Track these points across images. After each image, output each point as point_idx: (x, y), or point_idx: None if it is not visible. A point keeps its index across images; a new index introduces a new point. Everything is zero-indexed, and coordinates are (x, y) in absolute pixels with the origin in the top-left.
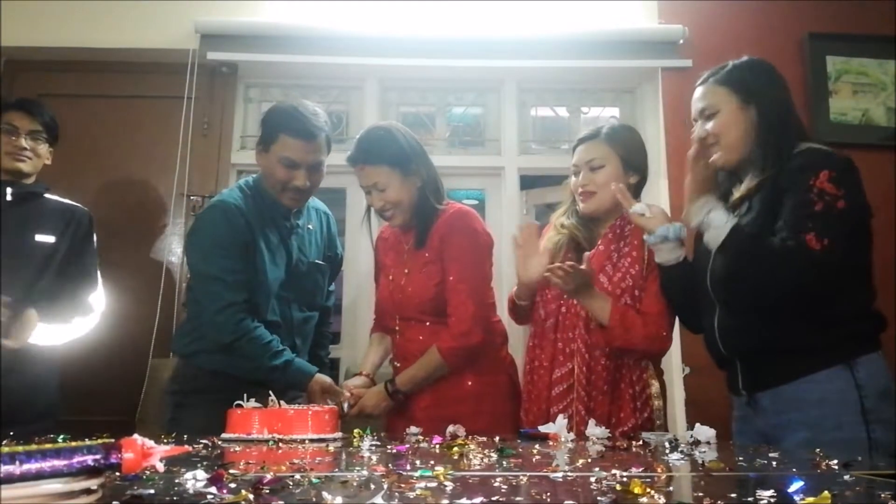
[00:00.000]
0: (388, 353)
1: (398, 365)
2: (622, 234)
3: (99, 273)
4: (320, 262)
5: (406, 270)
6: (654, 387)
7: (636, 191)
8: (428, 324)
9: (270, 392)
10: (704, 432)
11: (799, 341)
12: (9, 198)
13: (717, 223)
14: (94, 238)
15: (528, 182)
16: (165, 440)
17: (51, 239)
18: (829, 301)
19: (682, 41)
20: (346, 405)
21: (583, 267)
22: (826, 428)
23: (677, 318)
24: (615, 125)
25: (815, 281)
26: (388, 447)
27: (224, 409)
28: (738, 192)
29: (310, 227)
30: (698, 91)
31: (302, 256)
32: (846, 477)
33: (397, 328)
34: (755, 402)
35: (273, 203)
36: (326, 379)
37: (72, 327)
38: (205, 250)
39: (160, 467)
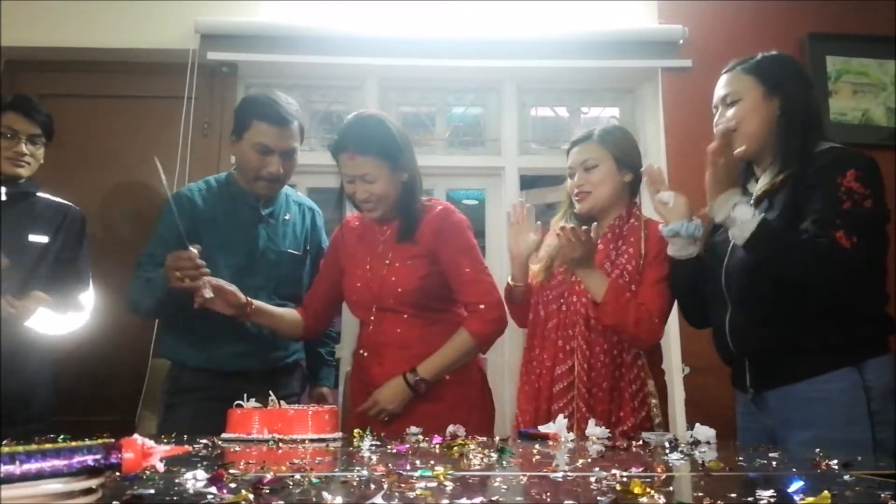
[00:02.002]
0: (280, 317)
1: (365, 354)
2: (621, 233)
3: (90, 274)
4: (295, 253)
5: (387, 262)
6: (650, 385)
7: (631, 189)
8: (406, 316)
9: (270, 392)
10: (704, 432)
11: (810, 342)
12: (3, 197)
13: (744, 218)
14: (86, 238)
15: (528, 182)
16: (165, 440)
17: (44, 239)
18: (842, 303)
19: (682, 41)
20: (206, 292)
21: (591, 234)
22: (832, 427)
23: (678, 312)
24: (607, 126)
25: (843, 278)
26: (389, 447)
27: (210, 407)
28: (758, 187)
29: (286, 217)
30: (722, 79)
31: (271, 245)
32: (846, 477)
33: (372, 318)
34: (761, 400)
35: (240, 193)
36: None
37: (65, 320)
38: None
39: (160, 467)
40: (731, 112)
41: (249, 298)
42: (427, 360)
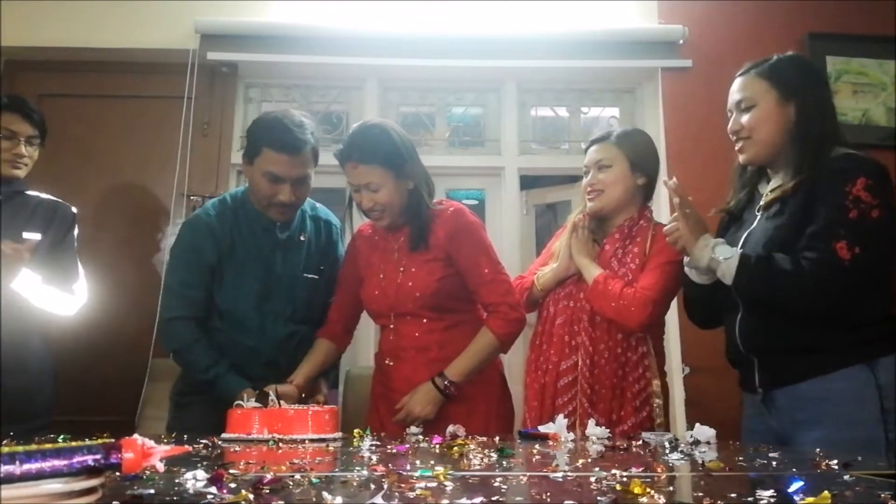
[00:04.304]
0: (326, 364)
1: (390, 363)
2: (630, 233)
3: (78, 265)
4: (311, 277)
5: (401, 268)
6: (655, 385)
7: (645, 193)
8: (425, 320)
9: (270, 392)
10: (704, 432)
11: (820, 341)
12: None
13: (725, 256)
14: (76, 232)
15: (528, 182)
16: (165, 440)
17: (37, 236)
18: (853, 304)
19: (682, 41)
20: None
21: (589, 240)
22: (843, 426)
23: (677, 311)
24: (627, 129)
25: (839, 293)
26: (388, 447)
27: (219, 409)
28: (769, 192)
29: (301, 238)
30: (737, 82)
31: (288, 270)
32: (846, 477)
33: (392, 326)
34: (770, 400)
35: (256, 215)
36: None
37: (58, 299)
38: (170, 262)
39: (160, 467)
40: (745, 119)
41: (294, 385)
42: (454, 363)
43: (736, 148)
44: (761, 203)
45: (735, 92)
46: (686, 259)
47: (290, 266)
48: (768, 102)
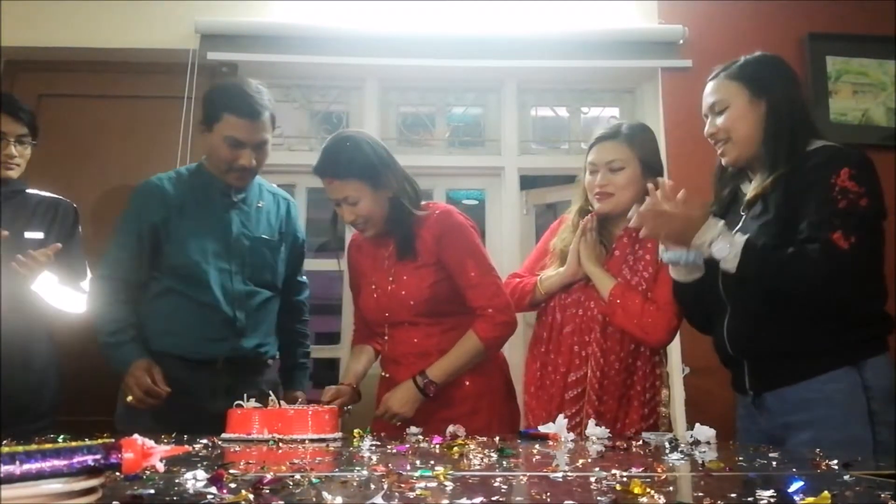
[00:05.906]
0: (370, 363)
1: (386, 375)
2: (638, 237)
3: (86, 262)
4: (269, 238)
5: (391, 278)
6: (664, 394)
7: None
8: (422, 326)
9: (270, 392)
10: (704, 432)
11: (809, 343)
12: None
13: (723, 254)
14: (80, 228)
15: (528, 182)
16: (165, 440)
17: (39, 234)
18: (842, 303)
19: (682, 41)
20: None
21: (597, 244)
22: (831, 428)
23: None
24: (633, 125)
25: (842, 281)
26: (388, 447)
27: (173, 402)
28: (750, 191)
29: (259, 205)
30: (709, 86)
31: (245, 230)
32: (846, 477)
33: (386, 335)
34: (760, 402)
35: (211, 180)
36: (147, 365)
37: (70, 296)
38: (116, 227)
39: (160, 467)
40: (720, 120)
41: (348, 385)
42: (436, 363)
43: (718, 152)
44: (744, 203)
45: (708, 95)
46: (668, 254)
47: (246, 227)
48: (741, 101)
